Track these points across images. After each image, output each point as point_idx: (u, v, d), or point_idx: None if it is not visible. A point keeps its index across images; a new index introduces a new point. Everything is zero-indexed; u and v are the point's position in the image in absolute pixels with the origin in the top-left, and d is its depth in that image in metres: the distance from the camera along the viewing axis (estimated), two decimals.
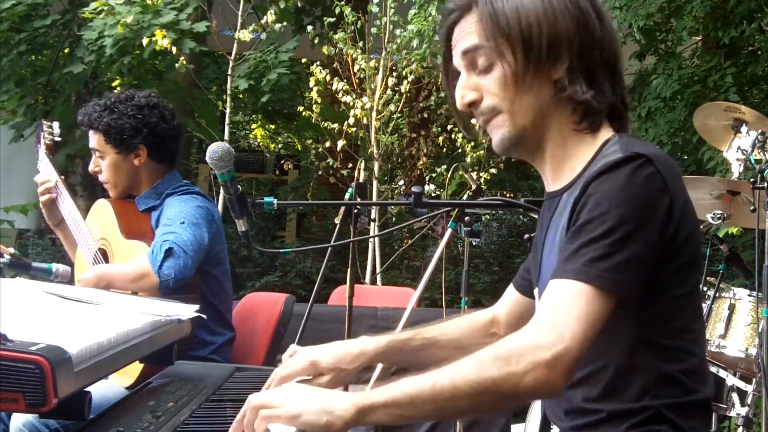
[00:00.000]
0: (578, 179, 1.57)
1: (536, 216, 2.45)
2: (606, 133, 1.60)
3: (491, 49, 1.57)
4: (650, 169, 1.45)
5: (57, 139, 3.27)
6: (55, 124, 3.27)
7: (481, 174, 6.22)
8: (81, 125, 3.12)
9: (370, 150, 6.10)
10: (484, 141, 6.26)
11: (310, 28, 6.24)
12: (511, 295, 1.93)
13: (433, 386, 1.36)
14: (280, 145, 9.46)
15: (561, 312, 1.39)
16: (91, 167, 3.13)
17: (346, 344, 1.75)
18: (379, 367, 1.81)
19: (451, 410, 1.39)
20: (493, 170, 6.35)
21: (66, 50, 6.94)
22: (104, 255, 3.00)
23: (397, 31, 5.92)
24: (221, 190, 4.74)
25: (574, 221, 1.48)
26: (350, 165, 6.07)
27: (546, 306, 1.42)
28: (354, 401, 1.36)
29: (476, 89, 1.62)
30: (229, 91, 6.11)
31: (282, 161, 8.35)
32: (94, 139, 3.06)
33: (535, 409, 4.04)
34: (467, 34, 1.61)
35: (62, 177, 3.18)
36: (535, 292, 1.73)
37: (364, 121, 5.98)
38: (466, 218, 2.81)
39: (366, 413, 1.35)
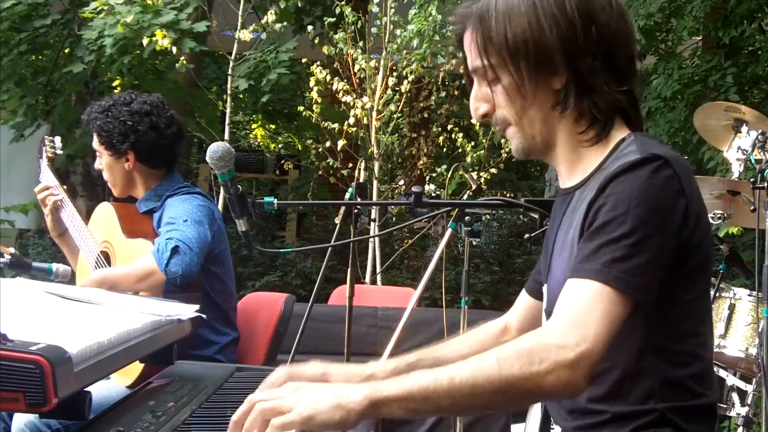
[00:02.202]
0: (592, 177, 1.58)
1: (536, 216, 2.45)
2: (619, 132, 1.60)
3: (488, 67, 1.58)
4: (669, 172, 1.45)
5: (59, 152, 3.31)
6: (57, 139, 3.33)
7: (481, 174, 6.22)
8: (82, 123, 3.17)
9: (370, 150, 6.10)
10: (484, 141, 6.27)
11: (310, 28, 6.24)
12: (523, 301, 1.92)
13: (451, 382, 1.35)
14: (280, 145, 9.47)
15: (583, 312, 1.39)
16: (95, 164, 3.18)
17: (358, 367, 1.73)
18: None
19: (468, 406, 1.38)
20: (493, 170, 6.35)
21: (66, 50, 6.93)
22: (106, 258, 3.01)
23: (398, 31, 5.92)
24: (221, 190, 4.74)
25: (591, 221, 1.48)
26: (350, 165, 6.07)
27: (566, 305, 1.42)
28: (367, 394, 1.34)
29: (487, 100, 1.63)
30: (229, 91, 6.11)
31: (282, 161, 8.34)
32: (94, 139, 3.11)
33: (535, 409, 4.04)
34: (469, 51, 1.62)
35: (64, 187, 3.21)
36: (544, 288, 1.73)
37: (365, 121, 5.98)
38: (467, 218, 2.81)
39: (379, 406, 1.34)
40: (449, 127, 6.40)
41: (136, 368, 2.57)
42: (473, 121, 1.68)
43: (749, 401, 3.68)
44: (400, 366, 1.75)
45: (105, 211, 3.12)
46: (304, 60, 6.47)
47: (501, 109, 1.61)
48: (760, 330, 3.47)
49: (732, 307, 3.71)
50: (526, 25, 1.53)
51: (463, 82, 5.62)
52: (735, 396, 3.76)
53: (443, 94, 6.23)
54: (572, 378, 1.35)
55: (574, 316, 1.40)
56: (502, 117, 1.62)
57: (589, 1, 1.55)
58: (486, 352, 1.40)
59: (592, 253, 1.43)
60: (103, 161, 3.11)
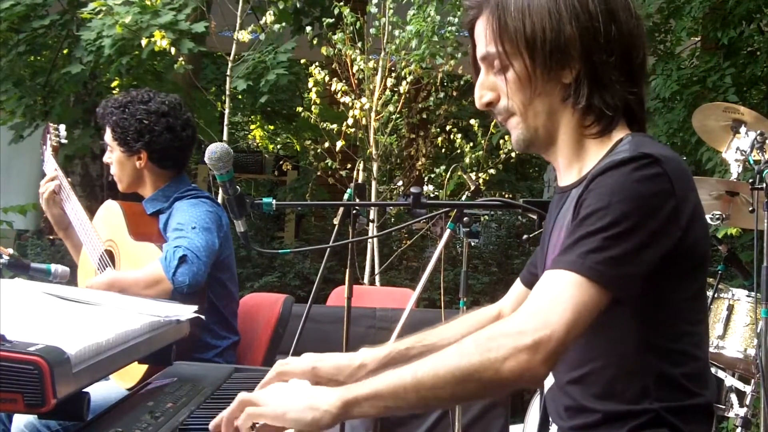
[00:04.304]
0: (587, 176, 1.57)
1: (535, 217, 2.46)
2: (620, 133, 1.60)
3: (501, 54, 1.58)
4: (656, 170, 1.44)
5: (63, 141, 3.31)
6: (62, 127, 3.33)
7: (480, 174, 6.22)
8: (96, 117, 3.17)
9: (368, 151, 6.09)
10: (482, 142, 6.27)
11: (308, 28, 6.23)
12: (517, 289, 1.94)
13: (414, 376, 1.36)
14: (279, 146, 9.46)
15: (547, 300, 1.39)
16: (104, 158, 3.18)
17: (348, 356, 1.76)
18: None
19: (433, 400, 1.38)
20: (492, 171, 6.35)
21: (65, 51, 6.93)
22: (110, 256, 3.00)
23: (396, 32, 5.92)
24: (220, 191, 4.74)
25: (575, 216, 1.48)
26: (349, 165, 6.07)
27: (535, 295, 1.42)
28: (339, 395, 1.36)
29: (493, 89, 1.63)
30: (227, 92, 6.10)
31: (281, 162, 8.35)
32: (106, 133, 3.11)
33: (534, 410, 4.05)
34: (481, 38, 1.62)
35: (69, 179, 3.20)
36: None
37: (363, 121, 5.98)
38: (465, 219, 2.81)
39: (351, 406, 1.36)
40: (448, 127, 6.40)
41: (138, 370, 2.57)
42: (477, 107, 1.67)
43: (747, 402, 3.68)
44: (392, 353, 1.78)
45: (111, 209, 3.10)
46: (302, 61, 6.46)
47: (506, 98, 1.61)
48: (758, 331, 3.47)
49: (730, 308, 3.72)
50: (545, 13, 1.54)
51: (462, 82, 5.61)
52: (733, 397, 3.76)
53: (442, 94, 6.23)
54: (530, 363, 1.34)
55: (538, 304, 1.40)
56: (507, 106, 1.62)
57: (611, 1, 1.56)
58: (449, 347, 1.40)
59: (569, 246, 1.44)
60: (113, 156, 3.11)
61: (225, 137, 6.03)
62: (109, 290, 2.72)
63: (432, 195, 6.18)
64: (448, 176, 5.12)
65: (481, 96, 1.65)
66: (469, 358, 1.35)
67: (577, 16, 1.53)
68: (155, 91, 3.17)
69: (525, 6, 1.55)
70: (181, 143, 3.08)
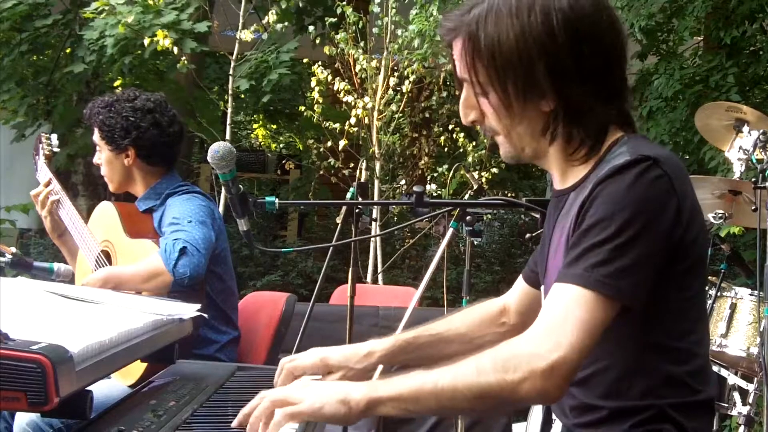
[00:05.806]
0: (586, 179, 1.57)
1: (537, 216, 2.45)
2: (611, 135, 1.58)
3: (476, 85, 1.57)
4: (657, 172, 1.44)
5: (56, 150, 3.31)
6: (53, 136, 3.34)
7: (483, 173, 6.22)
8: (83, 118, 3.18)
9: (371, 150, 6.10)
10: (485, 140, 6.27)
11: (311, 28, 6.24)
12: (520, 286, 1.94)
13: (435, 385, 1.39)
14: (281, 145, 9.45)
15: (560, 318, 1.40)
16: (94, 159, 3.19)
17: (355, 346, 1.80)
18: (379, 368, 1.84)
19: (452, 409, 1.43)
20: (495, 170, 6.35)
21: (67, 50, 6.94)
22: (107, 257, 3.00)
23: (399, 31, 5.92)
24: (223, 190, 4.74)
25: (579, 224, 1.48)
26: (352, 165, 6.07)
27: (546, 311, 1.43)
28: (365, 393, 1.40)
29: (476, 108, 1.61)
30: (230, 91, 6.11)
31: (283, 161, 8.35)
32: (95, 134, 3.12)
33: (537, 408, 4.04)
34: (458, 61, 1.60)
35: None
36: (542, 289, 1.74)
37: (366, 120, 5.98)
38: (468, 218, 2.81)
39: (376, 405, 1.40)
40: (450, 126, 6.40)
41: (138, 368, 2.57)
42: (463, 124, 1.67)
43: (750, 400, 3.68)
44: (399, 342, 1.81)
45: (106, 210, 3.11)
46: (305, 60, 6.46)
47: (488, 120, 1.60)
48: (761, 329, 3.47)
49: (733, 307, 3.71)
50: (514, 50, 1.50)
51: None
52: (736, 395, 3.76)
53: (444, 94, 6.24)
54: (546, 386, 1.36)
55: (551, 322, 1.41)
56: (491, 126, 1.61)
57: (579, 21, 1.50)
58: (467, 359, 1.42)
59: (575, 258, 1.44)
60: (102, 156, 3.12)
61: (228, 136, 6.04)
62: (105, 286, 2.73)
63: (435, 194, 6.17)
64: (450, 175, 5.12)
65: (465, 114, 1.63)
66: (486, 377, 1.38)
67: (546, 51, 1.49)
68: (140, 90, 3.18)
69: (494, 43, 1.51)
70: (168, 139, 3.09)
